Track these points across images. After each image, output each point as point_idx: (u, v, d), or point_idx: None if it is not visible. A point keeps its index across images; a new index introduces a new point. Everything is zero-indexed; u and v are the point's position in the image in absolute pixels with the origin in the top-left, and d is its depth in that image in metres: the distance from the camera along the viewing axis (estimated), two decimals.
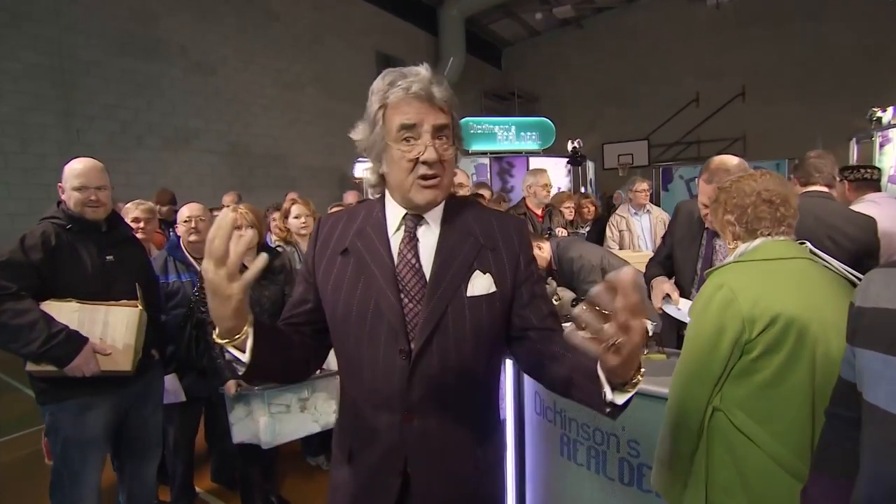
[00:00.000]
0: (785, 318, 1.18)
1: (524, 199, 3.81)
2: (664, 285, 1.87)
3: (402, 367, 0.97)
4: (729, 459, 1.25)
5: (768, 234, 1.32)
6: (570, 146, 8.28)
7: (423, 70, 0.98)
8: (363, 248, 1.04)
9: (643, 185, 4.14)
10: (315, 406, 2.30)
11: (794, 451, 1.19)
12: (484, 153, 7.65)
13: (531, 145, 8.02)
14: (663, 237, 2.11)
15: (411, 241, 1.03)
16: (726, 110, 10.56)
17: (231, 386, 2.20)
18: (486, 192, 4.11)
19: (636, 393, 0.81)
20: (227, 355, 0.88)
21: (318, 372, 2.36)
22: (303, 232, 2.85)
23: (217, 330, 0.86)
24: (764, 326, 1.19)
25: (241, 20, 7.87)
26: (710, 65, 10.87)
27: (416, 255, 1.02)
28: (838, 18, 9.35)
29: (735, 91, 10.55)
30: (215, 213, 3.46)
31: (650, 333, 1.91)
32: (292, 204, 2.75)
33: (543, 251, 2.74)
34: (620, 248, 4.00)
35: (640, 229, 4.10)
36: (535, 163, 7.63)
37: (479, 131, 7.93)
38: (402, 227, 1.04)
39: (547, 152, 7.96)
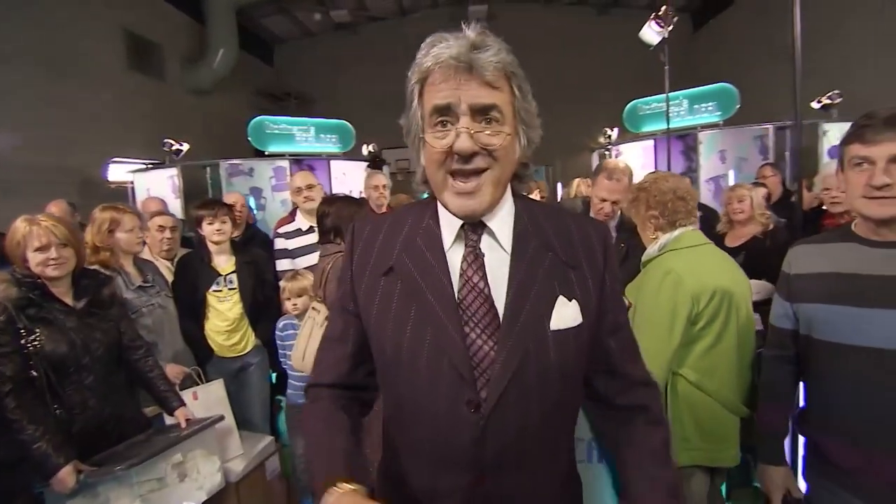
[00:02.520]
0: (720, 291, 1.47)
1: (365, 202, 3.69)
2: None
3: (471, 422, 0.78)
4: (688, 413, 1.49)
5: (685, 224, 1.61)
6: (365, 150, 8.38)
7: (471, 31, 0.77)
8: (413, 266, 0.82)
9: None
10: (196, 469, 1.79)
11: (733, 392, 1.50)
12: (282, 155, 7.10)
13: (331, 148, 7.80)
14: None
15: (476, 258, 0.82)
16: None
17: (65, 477, 1.53)
18: None
19: None
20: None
21: (183, 424, 1.87)
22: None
23: None
24: (707, 301, 1.46)
25: None
26: None
27: (484, 278, 0.81)
28: (577, 51, 11.65)
29: None
30: None
31: None
32: (121, 213, 2.02)
33: None
34: None
35: None
36: (336, 166, 7.45)
37: (276, 131, 7.36)
38: (462, 240, 0.83)
39: (347, 155, 7.85)
